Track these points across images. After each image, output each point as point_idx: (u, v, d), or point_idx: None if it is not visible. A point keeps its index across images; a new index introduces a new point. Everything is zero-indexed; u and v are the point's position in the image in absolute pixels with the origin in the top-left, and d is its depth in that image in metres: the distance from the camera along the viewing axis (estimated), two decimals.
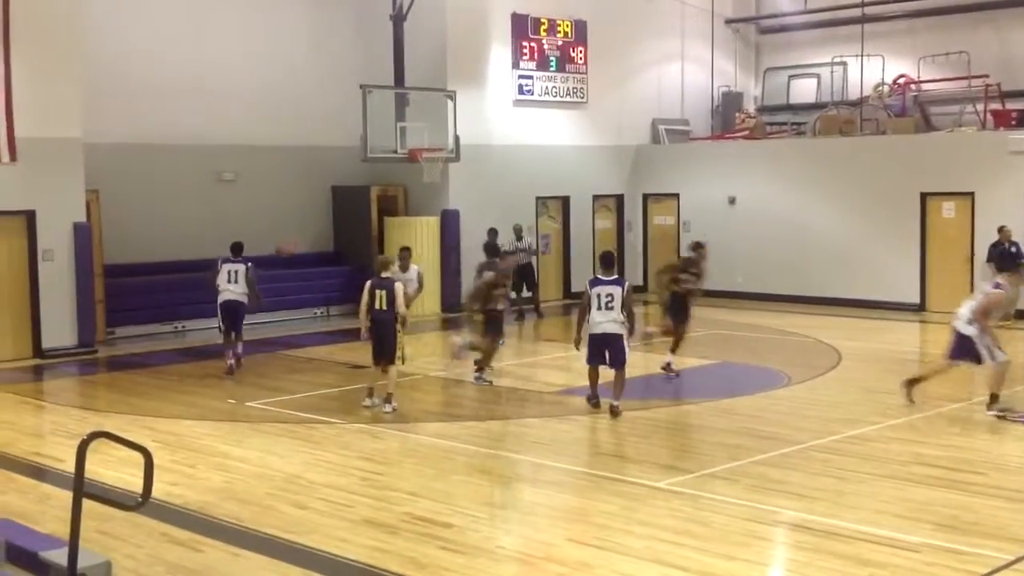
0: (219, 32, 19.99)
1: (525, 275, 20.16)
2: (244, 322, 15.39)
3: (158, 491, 7.94)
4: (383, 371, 12.36)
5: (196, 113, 19.53)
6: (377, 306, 12.24)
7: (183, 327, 18.83)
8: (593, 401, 12.09)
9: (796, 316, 19.94)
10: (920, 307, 20.44)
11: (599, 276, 12.12)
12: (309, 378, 14.73)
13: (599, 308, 11.63)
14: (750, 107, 26.06)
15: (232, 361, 14.99)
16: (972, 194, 19.88)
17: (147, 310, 18.51)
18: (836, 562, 7.38)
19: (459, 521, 8.40)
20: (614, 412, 11.70)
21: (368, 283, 12.51)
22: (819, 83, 25.40)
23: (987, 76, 21.67)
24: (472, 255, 21.14)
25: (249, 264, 15.29)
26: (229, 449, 10.76)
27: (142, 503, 5.99)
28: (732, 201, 23.02)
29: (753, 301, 21.71)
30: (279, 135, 20.58)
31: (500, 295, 14.14)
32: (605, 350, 11.77)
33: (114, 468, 9.49)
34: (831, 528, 8.08)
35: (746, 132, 24.33)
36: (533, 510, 9.01)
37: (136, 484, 6.68)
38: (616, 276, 12.13)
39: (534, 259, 20.79)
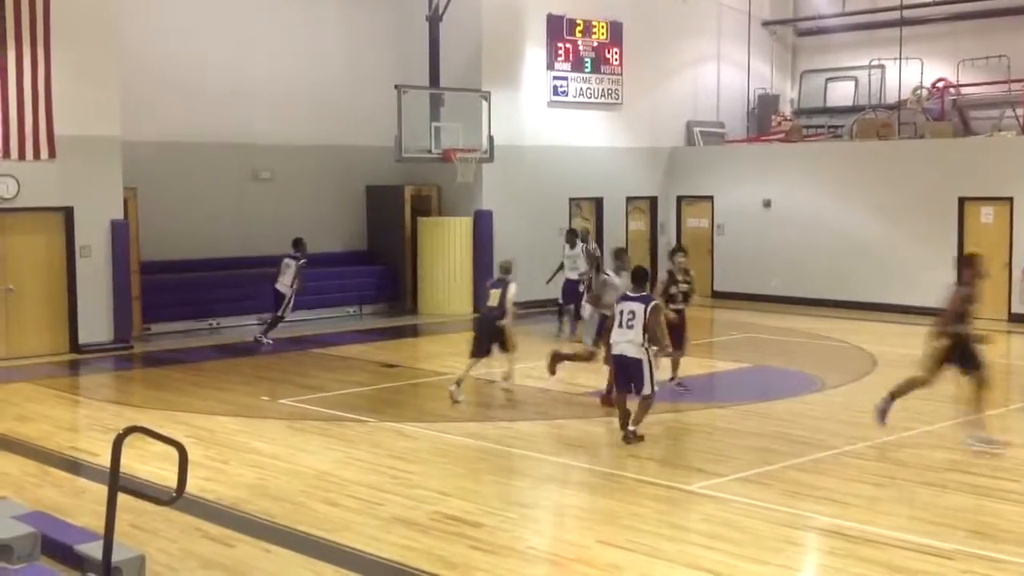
0: (257, 32, 20.13)
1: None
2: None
3: (191, 486, 7.99)
4: (476, 362, 13.29)
5: (233, 112, 19.70)
6: (488, 303, 13.20)
7: (218, 324, 18.98)
8: (622, 432, 10.99)
9: (831, 320, 19.79)
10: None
11: (627, 292, 11.28)
12: (342, 376, 14.80)
13: (619, 326, 10.85)
14: (786, 110, 25.90)
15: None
16: (1011, 199, 19.65)
17: (182, 307, 18.68)
18: (869, 568, 7.32)
19: (489, 521, 8.41)
20: (627, 439, 10.76)
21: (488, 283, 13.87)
22: (856, 86, 25.21)
23: None
24: (506, 255, 21.15)
25: (300, 260, 17.31)
26: (262, 446, 10.83)
27: (176, 498, 6.04)
28: (767, 204, 22.89)
29: (788, 305, 21.57)
30: (315, 134, 20.70)
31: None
32: (628, 375, 10.90)
33: (148, 463, 9.58)
34: (864, 534, 8.01)
35: (782, 135, 24.18)
36: (564, 511, 9.01)
37: (170, 479, 6.76)
38: (644, 293, 11.08)
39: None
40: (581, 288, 17.82)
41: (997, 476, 9.57)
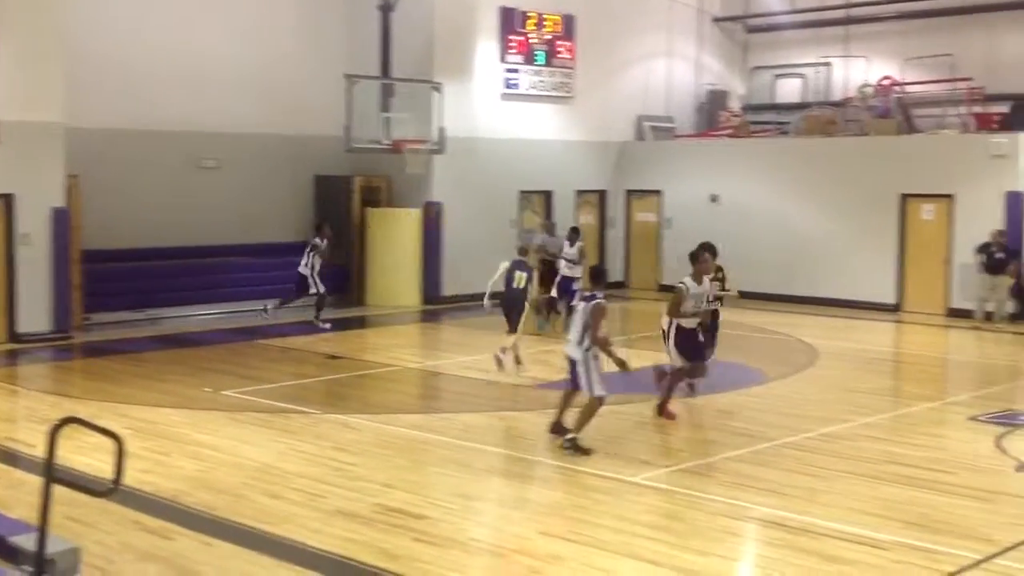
0: (205, 18, 19.88)
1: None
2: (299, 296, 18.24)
3: (130, 478, 7.90)
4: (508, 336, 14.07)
5: (179, 99, 19.43)
6: (515, 285, 14.18)
7: (160, 315, 18.74)
8: (552, 429, 10.53)
9: (775, 314, 20.00)
10: (896, 308, 20.56)
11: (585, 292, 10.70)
12: (286, 367, 14.70)
13: (572, 324, 10.42)
14: (735, 105, 26.11)
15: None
16: (952, 196, 19.99)
17: (125, 296, 18.41)
18: (807, 559, 7.42)
19: (433, 513, 8.40)
20: (564, 447, 10.14)
21: (507, 264, 14.44)
22: (804, 83, 25.49)
23: (970, 79, 21.78)
24: (454, 247, 21.19)
25: (314, 241, 17.94)
26: (203, 437, 10.73)
27: (113, 489, 5.93)
28: (715, 199, 23.07)
29: (733, 299, 21.73)
30: (263, 123, 20.50)
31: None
32: (572, 374, 10.40)
33: (87, 455, 9.43)
34: (803, 525, 8.12)
35: (730, 130, 24.39)
36: (507, 503, 9.03)
37: (108, 471, 6.65)
38: (592, 293, 10.39)
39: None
40: (575, 287, 17.57)
41: (933, 468, 9.74)
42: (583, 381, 10.22)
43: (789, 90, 25.80)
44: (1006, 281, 18.78)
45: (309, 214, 21.71)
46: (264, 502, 8.64)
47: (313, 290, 18.01)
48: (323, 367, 14.83)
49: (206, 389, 13.11)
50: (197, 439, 10.67)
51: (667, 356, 11.76)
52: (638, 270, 24.21)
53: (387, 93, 20.10)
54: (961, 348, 17.83)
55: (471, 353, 15.90)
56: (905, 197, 20.56)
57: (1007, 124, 20.67)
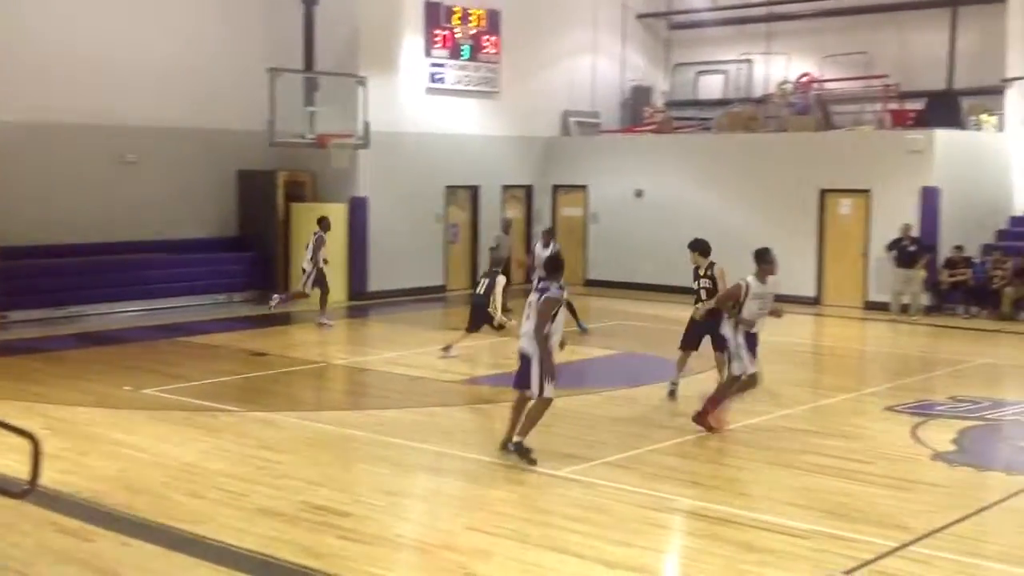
0: (124, 9, 19.49)
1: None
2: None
3: (48, 479, 7.77)
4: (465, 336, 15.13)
5: (98, 92, 19.02)
6: (478, 291, 15.24)
7: (80, 312, 18.35)
8: (504, 446, 9.84)
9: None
10: (816, 300, 20.97)
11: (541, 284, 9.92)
12: (209, 365, 14.49)
13: (526, 317, 9.69)
14: (659, 101, 26.38)
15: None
16: (869, 191, 20.44)
17: (43, 294, 18.01)
18: (728, 548, 7.55)
19: (358, 510, 8.37)
20: (507, 448, 9.75)
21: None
22: (726, 80, 25.84)
23: (886, 76, 22.29)
24: (380, 242, 21.10)
25: (315, 234, 17.57)
26: (123, 437, 10.54)
27: (29, 490, 5.86)
28: (639, 194, 23.29)
29: (657, 292, 21.97)
30: (184, 117, 20.16)
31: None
32: (521, 371, 9.67)
33: (2, 456, 9.21)
34: (724, 515, 8.25)
35: (654, 126, 24.63)
36: (433, 499, 9.03)
37: (25, 472, 6.52)
38: (547, 285, 9.71)
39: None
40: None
41: (851, 458, 9.97)
42: (534, 380, 9.47)
43: (711, 86, 26.14)
44: (919, 274, 19.29)
45: (232, 210, 21.45)
46: (185, 502, 8.52)
47: (308, 287, 17.62)
48: (247, 364, 14.65)
49: (126, 388, 12.87)
50: (117, 438, 10.48)
51: (726, 361, 10.85)
52: (565, 265, 24.30)
53: (311, 87, 19.92)
54: (878, 340, 18.25)
55: (398, 349, 15.86)
56: (824, 192, 20.98)
57: (921, 120, 21.19)
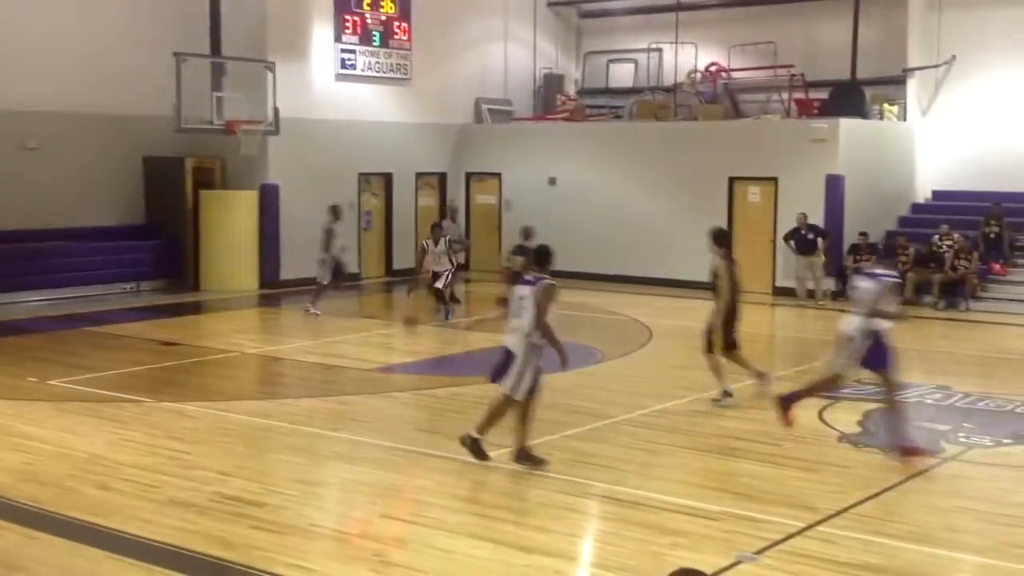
0: None
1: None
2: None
3: None
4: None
5: None
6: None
7: None
8: (518, 457, 9.12)
9: (611, 295, 20.46)
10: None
11: (523, 275, 9.42)
12: (117, 355, 14.18)
13: (514, 313, 9.09)
14: (571, 89, 26.51)
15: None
16: (776, 179, 20.85)
17: None
18: (642, 531, 7.65)
19: (272, 500, 8.28)
20: (464, 443, 9.19)
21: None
22: (636, 68, 26.08)
23: (792, 66, 22.73)
24: (292, 230, 20.82)
25: (333, 225, 17.68)
26: (28, 429, 10.26)
27: None
28: (552, 182, 23.38)
29: (571, 280, 22.04)
30: (88, 102, 19.60)
31: None
32: (501, 366, 9.08)
33: None
34: (638, 499, 8.37)
35: (566, 114, 24.76)
36: (349, 487, 8.98)
37: None
38: (540, 275, 9.26)
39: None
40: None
41: (760, 441, 10.18)
42: (511, 376, 8.87)
43: (622, 75, 26.35)
44: (820, 260, 19.79)
45: (139, 197, 20.96)
46: (93, 494, 8.34)
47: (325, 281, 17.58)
48: (157, 354, 14.36)
49: (30, 379, 12.53)
50: (21, 430, 10.20)
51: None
52: (479, 252, 24.33)
53: (219, 72, 19.54)
54: (786, 325, 18.66)
55: (312, 337, 15.72)
56: (732, 180, 21.33)
57: (826, 110, 21.66)
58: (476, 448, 9.12)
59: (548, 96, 25.89)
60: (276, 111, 19.71)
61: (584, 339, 15.86)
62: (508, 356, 9.02)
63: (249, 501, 8.19)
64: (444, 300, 17.26)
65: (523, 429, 9.12)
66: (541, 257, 9.57)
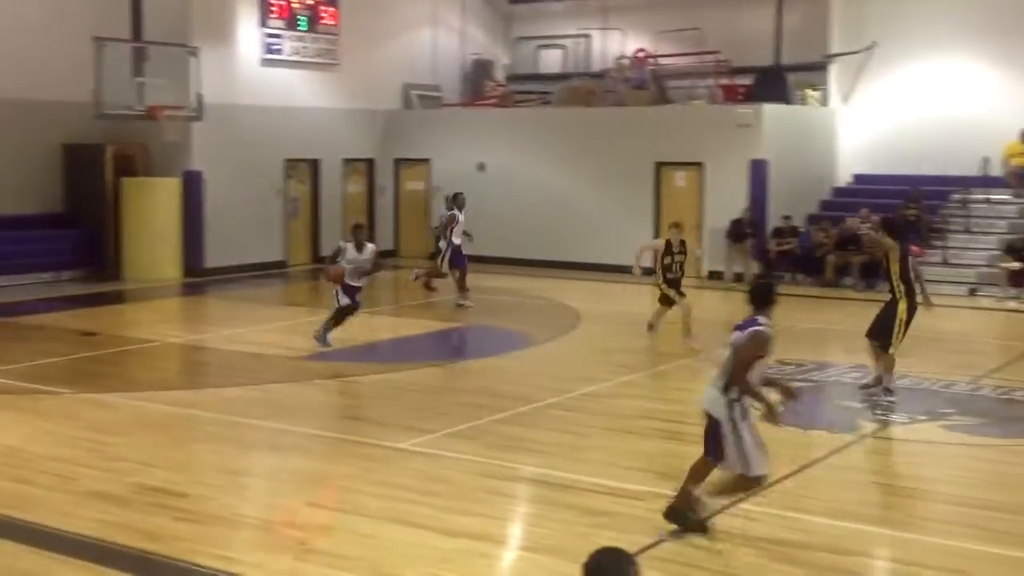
0: None
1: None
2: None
3: None
4: None
5: None
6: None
7: None
8: (667, 515, 7.34)
9: (541, 280, 20.51)
10: (652, 271, 21.44)
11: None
12: (34, 346, 13.85)
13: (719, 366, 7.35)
14: (500, 75, 26.48)
15: None
16: (702, 164, 21.07)
17: None
18: (568, 513, 7.71)
19: (195, 490, 8.18)
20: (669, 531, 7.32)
21: None
22: (565, 54, 26.12)
23: (718, 52, 22.95)
24: (218, 217, 20.53)
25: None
26: None
27: None
28: (481, 168, 23.35)
29: (500, 265, 22.14)
30: (3, 87, 19.02)
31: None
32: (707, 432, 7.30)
33: None
34: (565, 481, 8.42)
35: (495, 100, 24.72)
36: (273, 476, 8.90)
37: None
38: (753, 318, 7.31)
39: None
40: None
41: (685, 421, 10.26)
42: (728, 450, 7.13)
43: (551, 61, 26.38)
44: (747, 245, 20.16)
45: (57, 185, 20.47)
46: (9, 487, 8.16)
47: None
48: (77, 345, 14.07)
49: None
50: None
51: None
52: (408, 239, 24.26)
53: (140, 57, 19.16)
54: (713, 308, 18.80)
55: (237, 326, 15.53)
56: (659, 165, 21.51)
57: (751, 95, 21.93)
58: (680, 516, 7.28)
59: (477, 82, 25.82)
60: (200, 97, 19.39)
61: (513, 324, 15.92)
62: (711, 422, 7.20)
63: (172, 492, 8.08)
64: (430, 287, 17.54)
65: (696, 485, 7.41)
66: (763, 295, 7.48)
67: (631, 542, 6.91)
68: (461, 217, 17.63)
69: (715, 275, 20.61)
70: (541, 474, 8.63)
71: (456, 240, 17.38)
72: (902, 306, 11.01)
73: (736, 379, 7.06)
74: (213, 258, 20.59)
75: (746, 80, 22.69)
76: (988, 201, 20.30)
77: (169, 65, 19.35)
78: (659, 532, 7.25)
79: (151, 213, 20.02)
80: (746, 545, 7.11)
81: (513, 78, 26.49)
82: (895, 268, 11.03)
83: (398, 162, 24.48)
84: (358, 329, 14.22)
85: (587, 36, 25.35)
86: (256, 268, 21.22)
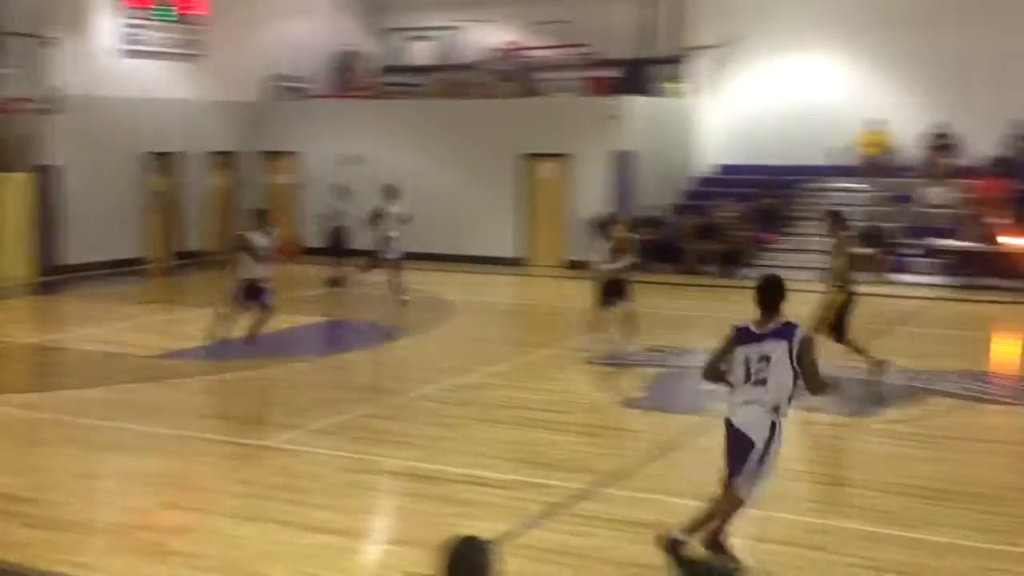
0: None
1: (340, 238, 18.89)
2: None
3: None
4: None
5: None
6: None
7: None
8: (709, 545, 6.59)
9: (415, 273, 20.34)
10: (522, 262, 21.65)
11: (749, 326, 6.56)
12: None
13: (746, 380, 6.43)
14: (370, 66, 26.20)
15: None
16: (569, 156, 21.28)
17: None
18: (433, 504, 7.69)
19: (44, 495, 7.88)
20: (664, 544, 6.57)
21: None
22: (437, 46, 26.01)
23: (587, 45, 23.18)
24: (76, 212, 19.78)
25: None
26: None
27: None
28: (348, 161, 23.04)
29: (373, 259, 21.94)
30: None
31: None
32: (736, 454, 6.46)
33: None
34: (431, 472, 8.40)
35: (366, 91, 24.47)
36: (129, 478, 8.61)
37: None
38: (783, 322, 6.47)
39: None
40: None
41: (549, 410, 10.39)
42: (752, 467, 6.36)
43: (422, 53, 26.25)
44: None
45: None
46: None
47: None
48: None
49: None
50: None
51: None
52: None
53: None
54: (578, 297, 18.99)
55: (93, 325, 15.00)
56: (528, 157, 21.64)
57: (617, 88, 22.24)
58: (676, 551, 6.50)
59: (346, 73, 25.52)
60: (56, 89, 18.67)
61: (381, 318, 15.79)
62: (744, 443, 6.42)
63: (20, 498, 7.76)
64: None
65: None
66: (767, 293, 6.60)
67: (494, 530, 6.94)
68: (393, 210, 17.31)
69: (580, 264, 20.79)
70: (407, 467, 8.59)
71: (393, 233, 17.11)
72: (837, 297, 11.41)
73: (819, 388, 6.51)
74: (72, 255, 19.85)
75: (613, 72, 22.98)
76: (847, 190, 20.98)
77: (27, 56, 18.61)
78: (523, 518, 7.29)
79: None
80: (606, 527, 7.20)
81: (384, 69, 26.24)
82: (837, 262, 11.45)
83: (265, 155, 24.01)
84: (217, 325, 13.89)
85: (459, 28, 25.29)
86: (116, 265, 20.55)
